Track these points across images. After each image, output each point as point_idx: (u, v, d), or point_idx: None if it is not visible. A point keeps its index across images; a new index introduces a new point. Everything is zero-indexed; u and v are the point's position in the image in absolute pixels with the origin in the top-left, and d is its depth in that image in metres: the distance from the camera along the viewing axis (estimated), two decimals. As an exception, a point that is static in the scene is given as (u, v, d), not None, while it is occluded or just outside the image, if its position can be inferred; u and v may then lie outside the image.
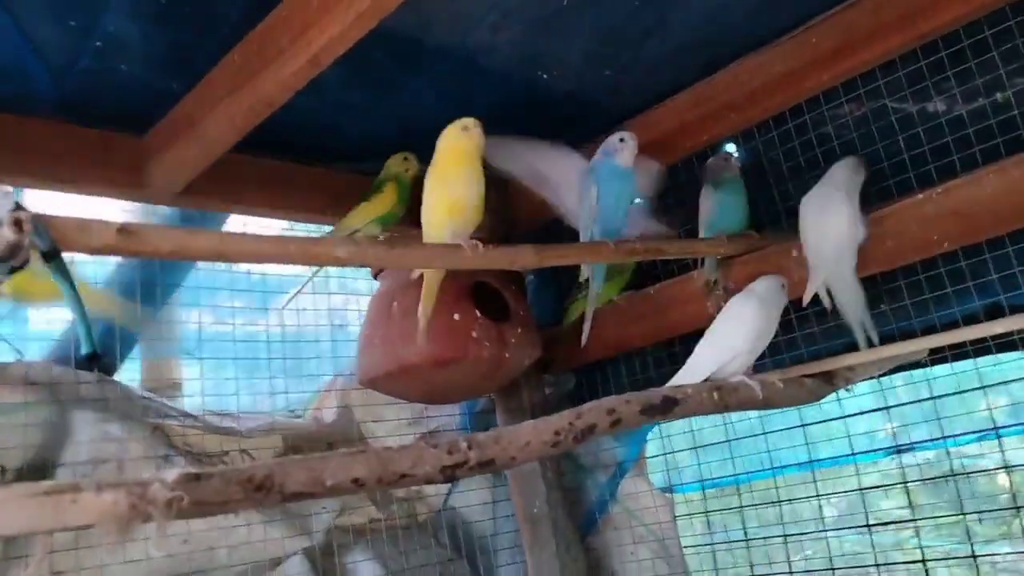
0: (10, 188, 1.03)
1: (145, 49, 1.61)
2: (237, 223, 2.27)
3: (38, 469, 1.71)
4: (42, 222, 1.03)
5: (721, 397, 1.42)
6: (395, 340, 1.97)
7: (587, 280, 1.88)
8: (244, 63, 1.59)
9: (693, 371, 1.55)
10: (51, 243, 1.05)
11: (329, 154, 2.16)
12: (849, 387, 1.70)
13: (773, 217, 2.03)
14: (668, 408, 1.36)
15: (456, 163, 1.60)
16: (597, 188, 1.77)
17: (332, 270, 2.38)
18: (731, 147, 2.12)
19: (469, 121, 1.61)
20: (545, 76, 1.94)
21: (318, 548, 2.10)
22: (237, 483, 0.96)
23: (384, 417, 2.42)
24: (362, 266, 1.54)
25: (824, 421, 2.17)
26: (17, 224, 0.96)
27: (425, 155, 2.21)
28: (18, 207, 1.01)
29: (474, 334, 1.98)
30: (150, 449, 1.87)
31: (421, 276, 1.73)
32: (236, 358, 2.32)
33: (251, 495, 0.97)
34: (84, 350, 1.10)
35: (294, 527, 2.07)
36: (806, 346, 1.93)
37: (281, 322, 2.51)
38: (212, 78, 1.67)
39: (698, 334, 2.13)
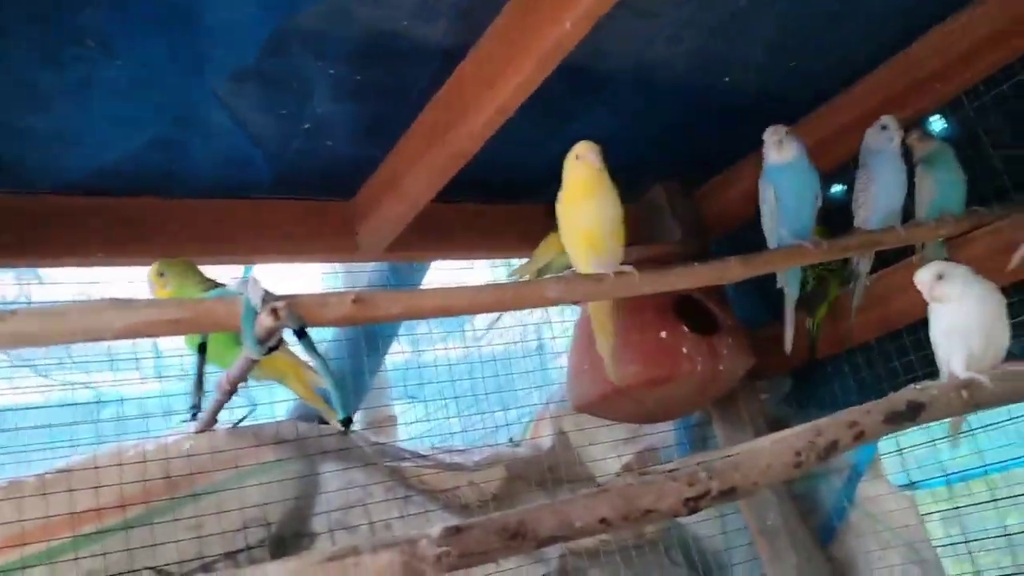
0: (258, 277, 1.12)
1: (347, 123, 1.73)
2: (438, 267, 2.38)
3: (296, 520, 1.86)
4: (291, 304, 1.12)
5: (971, 395, 1.32)
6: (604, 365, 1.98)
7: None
8: (436, 121, 1.67)
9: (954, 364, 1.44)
10: (300, 321, 1.14)
11: (517, 189, 2.22)
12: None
13: (998, 190, 1.86)
14: (915, 414, 1.28)
15: (577, 194, 1.51)
16: (772, 189, 1.72)
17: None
18: (934, 120, 1.97)
19: (580, 147, 1.51)
20: (727, 79, 1.90)
21: (555, 574, 2.13)
22: (494, 532, 0.99)
23: (598, 439, 2.43)
24: (573, 303, 1.56)
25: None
26: (274, 313, 1.05)
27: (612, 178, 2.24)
28: (267, 295, 1.11)
29: (684, 350, 1.95)
30: (390, 492, 1.98)
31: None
32: (454, 395, 2.43)
33: (508, 543, 1.00)
34: (340, 416, 1.19)
35: (530, 555, 2.12)
36: None
37: (478, 350, 2.60)
38: (408, 139, 1.76)
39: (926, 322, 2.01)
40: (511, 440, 2.46)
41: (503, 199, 2.20)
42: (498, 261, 2.53)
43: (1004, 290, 1.82)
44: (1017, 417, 2.09)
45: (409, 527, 1.91)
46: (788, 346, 1.90)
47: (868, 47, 1.90)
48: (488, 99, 1.50)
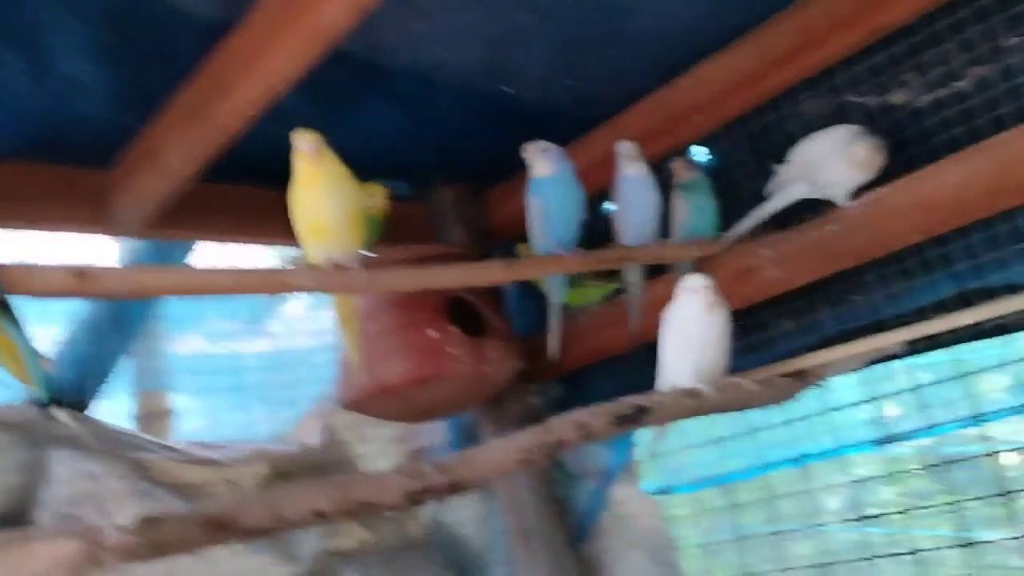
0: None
1: (101, 87, 1.61)
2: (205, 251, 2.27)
3: (15, 512, 1.70)
4: (-10, 271, 1.02)
5: (696, 402, 1.42)
6: (372, 362, 1.96)
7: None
8: (199, 95, 1.59)
9: (662, 378, 1.55)
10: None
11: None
12: (820, 383, 1.70)
13: (743, 217, 2.02)
14: (640, 417, 1.36)
15: (303, 186, 1.48)
16: (537, 201, 1.81)
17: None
18: (699, 149, 2.11)
19: (299, 137, 1.45)
20: (508, 89, 1.94)
21: (307, 574, 2.08)
22: (195, 523, 0.95)
23: (370, 438, 2.41)
24: (329, 293, 1.53)
25: (810, 415, 2.17)
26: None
27: (391, 172, 2.24)
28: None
29: (450, 350, 1.97)
30: (131, 485, 1.86)
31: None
32: (237, 387, 2.33)
33: (211, 534, 0.96)
34: (43, 399, 1.10)
35: (280, 553, 2.06)
36: (783, 344, 1.93)
37: (272, 343, 2.51)
38: (169, 111, 1.67)
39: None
40: (277, 436, 2.39)
41: (277, 185, 2.13)
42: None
43: (743, 311, 2.00)
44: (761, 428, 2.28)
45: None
46: (553, 351, 1.97)
47: (637, 77, 2.01)
48: (254, 76, 1.45)
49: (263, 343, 2.69)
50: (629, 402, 1.37)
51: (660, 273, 2.03)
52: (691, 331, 1.55)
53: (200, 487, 2.04)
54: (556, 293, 1.93)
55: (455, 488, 1.16)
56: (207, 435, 2.33)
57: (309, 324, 2.89)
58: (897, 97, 1.78)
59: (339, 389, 2.09)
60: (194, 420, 2.48)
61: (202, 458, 2.04)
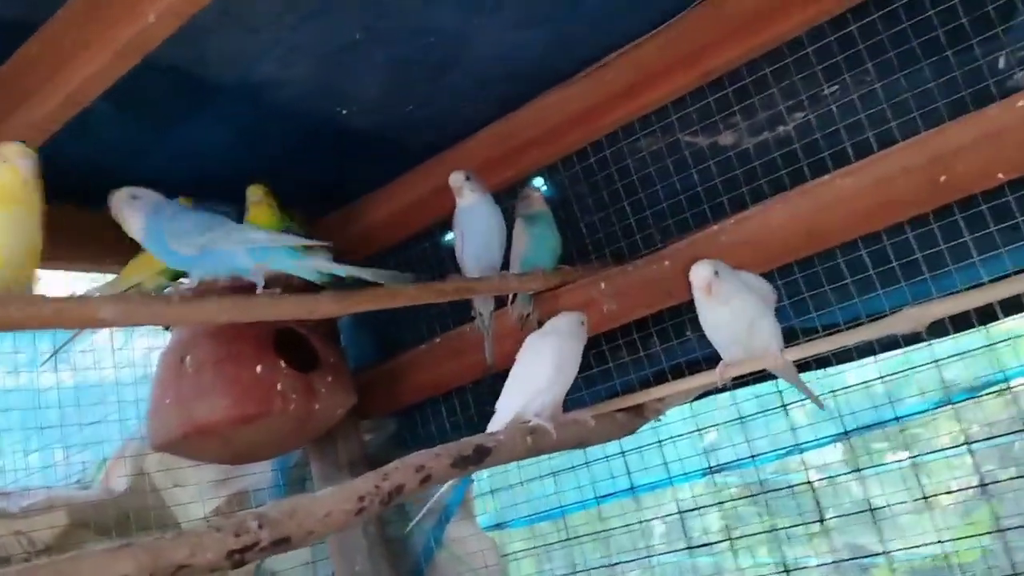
0: None
1: None
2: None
3: None
4: None
5: (534, 441, 1.39)
6: (189, 399, 1.81)
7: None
8: (-8, 103, 1.40)
9: (501, 413, 1.51)
10: None
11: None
12: (659, 417, 1.72)
13: (581, 250, 2.04)
14: (480, 458, 1.31)
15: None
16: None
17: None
18: (538, 181, 2.11)
19: (8, 149, 1.24)
20: (343, 111, 1.86)
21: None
22: (-34, 602, 0.80)
23: (186, 481, 2.22)
24: (136, 325, 1.38)
25: (640, 448, 2.20)
26: None
27: (216, 194, 2.09)
28: None
29: (279, 387, 1.84)
30: None
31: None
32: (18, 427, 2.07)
33: (-14, 615, 0.81)
34: None
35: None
36: (619, 377, 1.95)
37: (75, 375, 2.26)
38: (-47, 119, 1.46)
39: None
40: (78, 481, 2.16)
41: (88, 204, 1.94)
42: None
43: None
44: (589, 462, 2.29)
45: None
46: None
47: (476, 106, 1.99)
48: (56, 86, 1.30)
49: (63, 375, 2.43)
50: (469, 442, 1.32)
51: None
52: (556, 363, 1.52)
53: (-16, 543, 1.80)
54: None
55: (282, 544, 1.06)
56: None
57: (117, 353, 2.66)
58: (726, 139, 1.85)
59: (150, 428, 1.90)
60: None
61: (-14, 511, 1.80)
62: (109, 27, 1.22)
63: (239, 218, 2.17)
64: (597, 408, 1.59)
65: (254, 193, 1.87)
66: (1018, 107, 1.45)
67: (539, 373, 1.55)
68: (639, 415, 1.62)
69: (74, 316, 1.17)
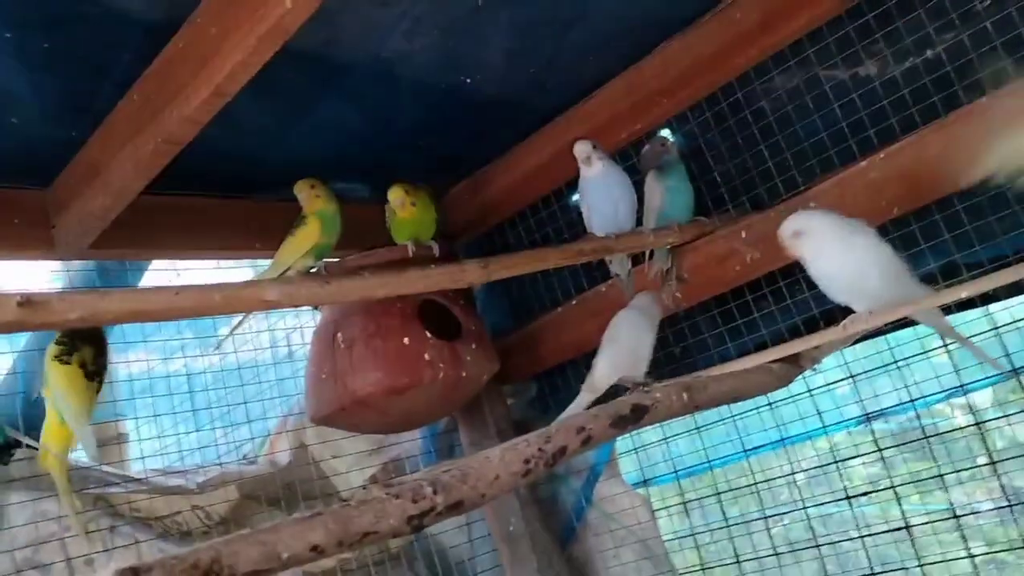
0: None
1: (36, 99, 1.50)
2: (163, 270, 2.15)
3: (-29, 564, 1.58)
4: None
5: (691, 397, 1.36)
6: (344, 373, 1.87)
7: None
8: (144, 102, 1.47)
9: (596, 382, 1.68)
10: (-61, 329, 0.93)
11: (251, 184, 2.05)
12: (815, 367, 1.66)
13: (716, 200, 1.98)
14: (639, 417, 1.29)
15: None
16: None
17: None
18: (666, 132, 2.06)
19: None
20: (468, 80, 1.86)
21: (289, 600, 1.98)
22: (182, 572, 0.85)
23: (343, 451, 2.31)
24: (297, 306, 1.44)
25: (792, 397, 2.14)
26: None
27: (350, 173, 2.14)
28: None
29: (427, 356, 1.89)
30: (92, 522, 1.74)
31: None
32: (175, 410, 2.20)
33: (200, 583, 0.86)
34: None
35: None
36: (767, 327, 1.89)
37: (222, 358, 2.38)
38: (112, 121, 1.55)
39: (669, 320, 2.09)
40: (245, 457, 2.28)
41: (232, 193, 2.02)
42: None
43: (722, 296, 1.95)
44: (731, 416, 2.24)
45: (115, 562, 1.69)
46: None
47: (600, 61, 1.94)
48: (203, 80, 1.34)
49: (214, 358, 2.57)
50: (626, 401, 1.30)
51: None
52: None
53: (168, 517, 1.93)
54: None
55: (456, 508, 1.08)
56: (164, 459, 2.22)
57: (263, 336, 2.79)
58: (870, 69, 1.74)
59: (309, 402, 1.99)
60: (149, 444, 2.35)
61: (167, 487, 1.92)
62: (249, 16, 1.25)
63: (371, 197, 2.22)
64: (748, 359, 1.55)
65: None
66: None
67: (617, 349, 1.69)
68: (795, 364, 1.56)
69: (242, 300, 1.22)
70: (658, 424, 2.32)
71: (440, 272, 1.49)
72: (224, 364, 2.49)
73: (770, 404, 2.16)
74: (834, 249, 1.42)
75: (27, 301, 1.04)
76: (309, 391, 1.96)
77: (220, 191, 2.02)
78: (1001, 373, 1.91)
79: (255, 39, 1.25)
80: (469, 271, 1.51)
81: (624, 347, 1.74)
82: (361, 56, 1.67)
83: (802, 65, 1.82)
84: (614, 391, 1.65)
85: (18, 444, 1.57)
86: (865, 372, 2.03)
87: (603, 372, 1.72)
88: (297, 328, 2.47)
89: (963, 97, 1.60)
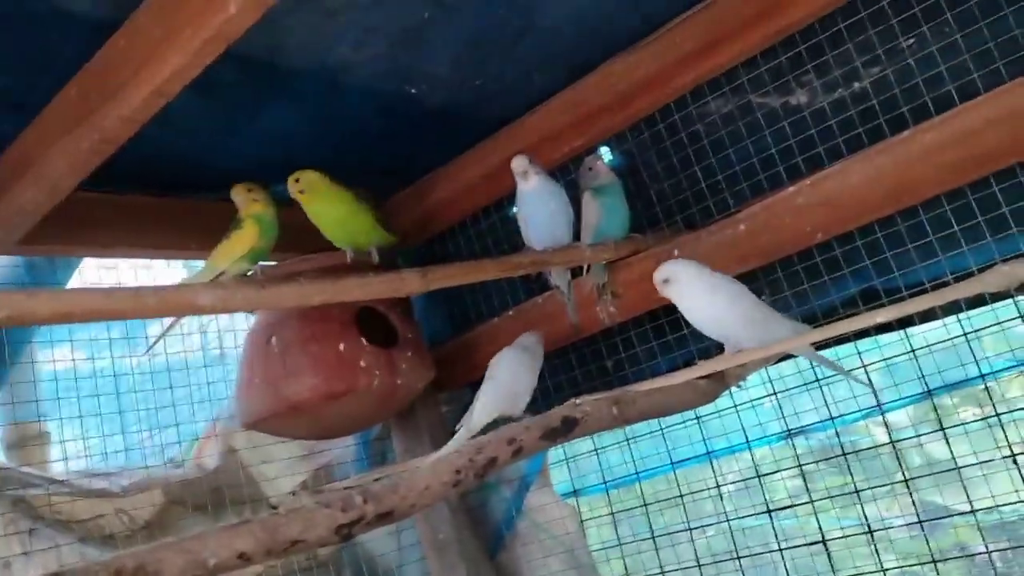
0: None
1: (-34, 91, 1.46)
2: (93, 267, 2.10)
3: None
4: None
5: (620, 411, 1.40)
6: (277, 378, 1.87)
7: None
8: (82, 99, 1.45)
9: (478, 416, 1.65)
10: None
11: (191, 185, 2.03)
12: (740, 384, 1.71)
13: (651, 218, 2.03)
14: (569, 429, 1.32)
15: None
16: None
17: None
18: (605, 150, 2.10)
19: None
20: (414, 90, 1.88)
21: (213, 606, 1.96)
22: (106, 578, 0.85)
23: (272, 456, 2.29)
24: (232, 312, 1.43)
25: (718, 412, 2.20)
26: None
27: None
28: None
29: (363, 363, 1.90)
30: (11, 524, 1.70)
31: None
32: (100, 411, 2.15)
33: (124, 589, 0.86)
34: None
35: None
36: (695, 344, 1.95)
37: (151, 358, 2.34)
38: (48, 115, 1.52)
39: (589, 340, 2.14)
40: (171, 460, 2.24)
41: (175, 193, 2.00)
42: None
43: (653, 312, 2.00)
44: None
45: (34, 565, 1.65)
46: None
47: (545, 76, 1.98)
48: (143, 80, 1.33)
49: (143, 356, 2.52)
50: (556, 414, 1.33)
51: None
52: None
53: (91, 521, 1.89)
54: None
55: (386, 518, 1.09)
56: (88, 462, 2.17)
57: (194, 337, 2.75)
58: (800, 98, 1.82)
59: (240, 407, 1.97)
60: (71, 446, 2.29)
61: (90, 489, 1.89)
62: (192, 19, 1.25)
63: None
64: (676, 375, 1.59)
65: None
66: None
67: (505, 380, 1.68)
68: (721, 381, 1.61)
69: (175, 304, 1.21)
70: (589, 436, 2.39)
71: (379, 280, 1.50)
72: (153, 365, 2.45)
73: (697, 418, 2.22)
74: (698, 296, 1.57)
75: (-49, 299, 1.01)
76: (241, 395, 1.95)
77: (158, 190, 1.99)
78: (916, 394, 2.01)
79: (198, 42, 1.25)
80: (408, 280, 1.52)
81: (504, 385, 1.69)
82: (307, 63, 1.67)
83: (736, 92, 1.89)
84: (492, 427, 1.66)
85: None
86: (788, 390, 2.10)
87: (481, 410, 1.66)
88: (230, 330, 2.44)
89: (887, 129, 1.68)
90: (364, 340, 1.93)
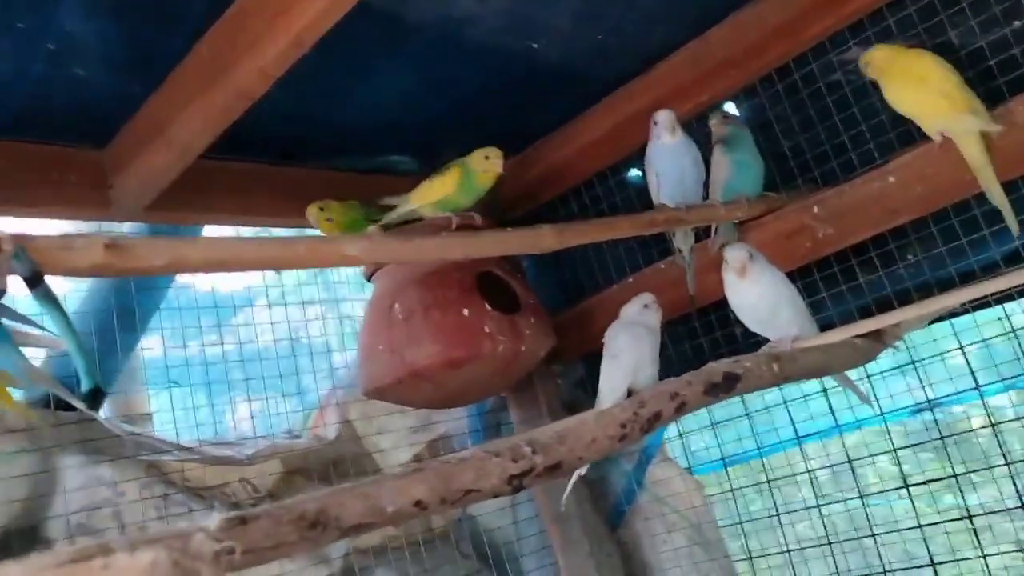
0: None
1: (102, 48, 1.44)
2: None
3: (27, 527, 1.54)
4: (21, 243, 0.87)
5: (781, 368, 1.31)
6: (401, 345, 1.83)
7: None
8: (215, 55, 1.43)
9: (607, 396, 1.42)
10: (32, 267, 0.89)
11: (305, 151, 2.01)
12: (896, 345, 1.60)
13: (785, 175, 1.92)
14: (731, 385, 1.25)
15: None
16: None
17: (289, 281, 2.22)
18: (730, 105, 2.00)
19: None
20: (535, 45, 1.81)
21: (339, 574, 1.95)
22: (288, 522, 0.81)
23: (388, 428, 2.27)
24: (376, 263, 1.38)
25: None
26: (-3, 247, 0.80)
27: (401, 143, 2.08)
28: (-12, 227, 0.85)
29: (487, 329, 1.85)
30: (146, 489, 1.70)
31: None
32: (212, 382, 2.14)
33: (306, 534, 0.82)
34: (85, 385, 0.94)
35: (312, 556, 1.91)
36: (853, 299, 1.84)
37: (239, 340, 2.34)
38: (179, 75, 1.51)
39: (716, 305, 2.04)
40: (288, 432, 2.24)
41: (284, 161, 1.98)
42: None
43: (790, 274, 1.90)
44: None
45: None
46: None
47: (667, 29, 1.89)
48: (282, 28, 1.30)
49: (231, 341, 2.53)
50: (718, 369, 1.26)
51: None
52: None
53: (217, 488, 1.89)
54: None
55: (555, 470, 1.04)
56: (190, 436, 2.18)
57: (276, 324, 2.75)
58: (955, 39, 1.69)
59: (363, 374, 1.94)
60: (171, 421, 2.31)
61: (220, 457, 1.88)
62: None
63: (419, 170, 2.16)
64: (830, 333, 1.50)
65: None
66: None
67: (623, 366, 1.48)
68: (880, 340, 1.51)
69: (324, 254, 1.18)
70: (704, 410, 2.30)
71: (515, 235, 1.45)
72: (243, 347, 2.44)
73: (824, 390, 2.11)
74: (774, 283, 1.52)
75: (113, 244, 0.99)
76: (363, 363, 1.92)
77: (272, 157, 1.97)
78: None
79: (342, -16, 1.21)
80: (544, 236, 1.46)
81: (625, 365, 1.44)
82: (432, 16, 1.62)
83: (882, 36, 1.76)
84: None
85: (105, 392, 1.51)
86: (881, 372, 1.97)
87: (610, 393, 1.40)
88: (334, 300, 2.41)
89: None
90: (487, 305, 1.87)
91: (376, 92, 1.86)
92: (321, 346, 2.42)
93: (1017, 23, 1.62)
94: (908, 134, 1.73)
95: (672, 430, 2.34)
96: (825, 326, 1.83)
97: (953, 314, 1.79)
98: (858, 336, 1.47)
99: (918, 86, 1.52)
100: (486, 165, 1.71)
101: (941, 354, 1.95)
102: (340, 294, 2.37)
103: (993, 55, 1.64)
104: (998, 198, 1.49)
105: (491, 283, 1.93)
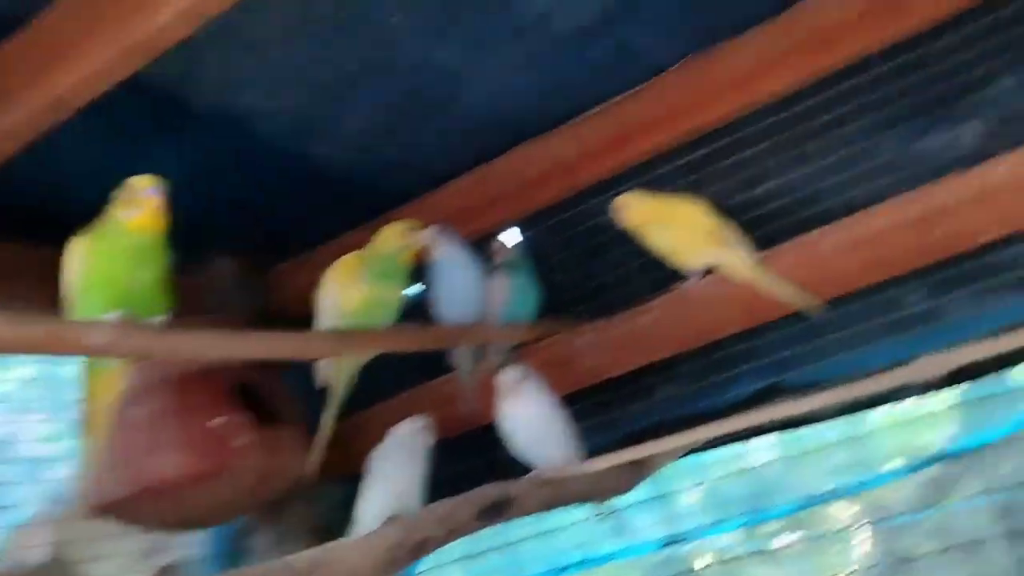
0: None
1: None
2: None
3: None
4: None
5: (551, 493, 1.30)
6: (139, 454, 1.62)
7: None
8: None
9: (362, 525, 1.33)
10: None
11: (63, 229, 1.78)
12: (654, 474, 1.66)
13: (560, 304, 1.98)
14: (501, 510, 1.21)
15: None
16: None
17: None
18: (515, 231, 2.06)
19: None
20: (322, 151, 1.77)
21: None
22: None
23: (109, 553, 1.99)
24: (122, 356, 1.21)
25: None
26: None
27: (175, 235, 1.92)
28: None
29: (237, 442, 1.69)
30: None
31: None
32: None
33: None
34: None
35: None
36: (616, 429, 1.88)
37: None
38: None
39: (490, 427, 2.02)
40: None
41: (37, 241, 1.75)
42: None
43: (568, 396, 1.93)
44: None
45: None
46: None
47: (456, 153, 1.93)
48: (45, 85, 1.16)
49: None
50: (491, 492, 1.21)
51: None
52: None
53: None
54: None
55: (311, 601, 0.93)
56: None
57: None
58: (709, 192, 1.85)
59: (85, 489, 1.69)
60: None
61: None
62: (116, 22, 1.11)
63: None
64: (598, 460, 1.51)
65: None
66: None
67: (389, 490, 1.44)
68: (639, 471, 1.55)
69: (62, 341, 1.02)
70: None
71: (284, 339, 1.35)
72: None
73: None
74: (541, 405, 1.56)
75: None
76: (91, 473, 1.67)
77: (23, 236, 1.73)
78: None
79: (120, 47, 1.11)
80: (315, 343, 1.38)
81: (390, 485, 1.40)
82: (214, 104, 1.54)
83: (646, 186, 1.89)
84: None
85: None
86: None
87: (371, 516, 1.31)
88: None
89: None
90: (241, 415, 1.72)
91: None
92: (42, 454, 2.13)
93: (758, 188, 1.81)
94: (666, 277, 1.85)
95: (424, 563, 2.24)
96: (591, 453, 1.88)
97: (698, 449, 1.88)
98: (620, 464, 1.50)
99: (680, 227, 1.63)
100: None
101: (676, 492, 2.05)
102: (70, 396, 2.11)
103: (745, 212, 1.81)
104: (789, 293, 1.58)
105: (249, 392, 1.79)
